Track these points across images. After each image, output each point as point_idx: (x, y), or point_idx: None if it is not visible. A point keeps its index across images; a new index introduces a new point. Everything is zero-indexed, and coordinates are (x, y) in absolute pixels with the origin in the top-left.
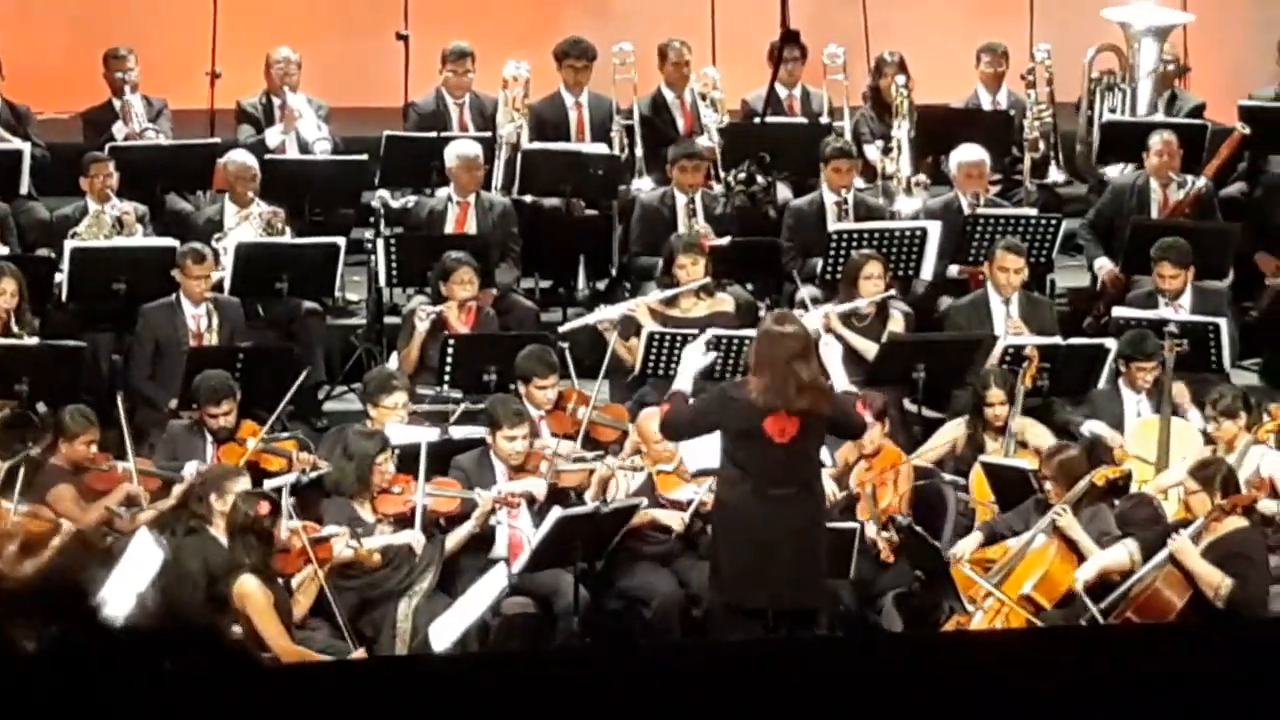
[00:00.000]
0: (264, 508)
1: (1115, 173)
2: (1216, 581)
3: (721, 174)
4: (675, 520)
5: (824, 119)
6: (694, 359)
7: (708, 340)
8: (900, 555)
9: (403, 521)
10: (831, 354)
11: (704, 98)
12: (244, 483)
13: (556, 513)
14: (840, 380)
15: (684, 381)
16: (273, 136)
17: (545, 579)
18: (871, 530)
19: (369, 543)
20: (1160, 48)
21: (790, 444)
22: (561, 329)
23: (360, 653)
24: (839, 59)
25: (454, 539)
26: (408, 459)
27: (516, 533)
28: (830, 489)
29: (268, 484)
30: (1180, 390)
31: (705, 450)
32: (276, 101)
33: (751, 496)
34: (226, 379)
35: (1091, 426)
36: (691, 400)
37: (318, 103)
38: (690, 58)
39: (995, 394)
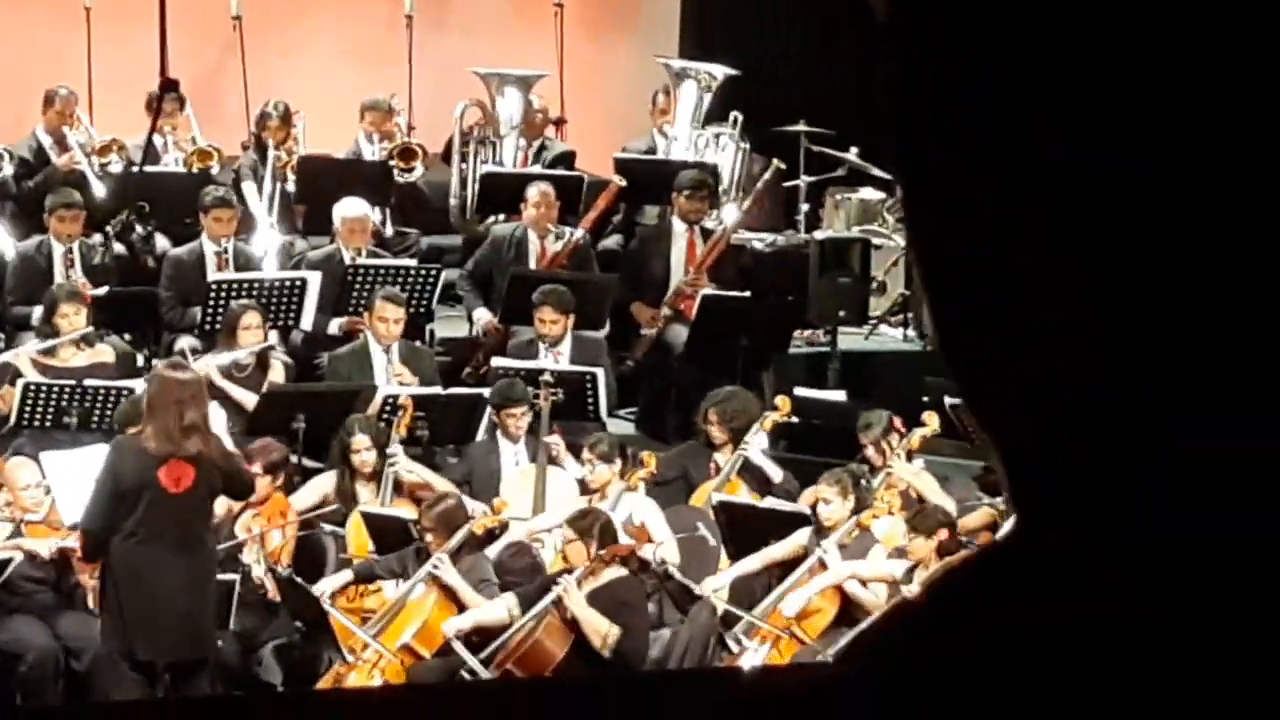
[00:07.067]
0: None
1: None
2: (604, 630)
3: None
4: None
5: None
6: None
7: None
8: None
9: None
10: (216, 418)
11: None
12: None
13: None
14: (226, 442)
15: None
16: None
17: None
18: (260, 570)
19: None
20: (525, 100)
21: (185, 495)
22: None
23: None
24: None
25: None
26: None
27: None
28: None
29: None
30: (556, 442)
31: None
32: None
33: (142, 548)
34: None
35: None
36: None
37: None
38: (76, 107)
39: (360, 440)
